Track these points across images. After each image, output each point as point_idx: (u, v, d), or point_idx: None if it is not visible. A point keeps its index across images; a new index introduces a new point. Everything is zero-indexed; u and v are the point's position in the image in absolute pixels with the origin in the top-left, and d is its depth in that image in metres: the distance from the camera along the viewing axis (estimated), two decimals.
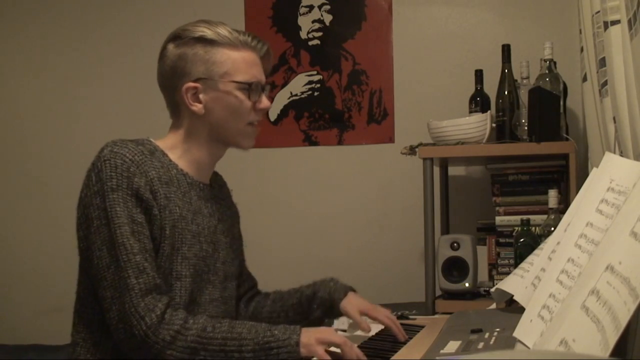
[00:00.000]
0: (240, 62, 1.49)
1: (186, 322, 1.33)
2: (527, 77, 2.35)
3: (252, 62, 1.51)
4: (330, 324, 1.74)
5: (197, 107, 1.48)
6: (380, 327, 1.73)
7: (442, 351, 1.28)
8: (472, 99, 2.48)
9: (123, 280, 1.32)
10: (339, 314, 1.63)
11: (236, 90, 1.48)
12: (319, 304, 1.64)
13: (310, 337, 1.33)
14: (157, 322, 1.31)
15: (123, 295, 1.32)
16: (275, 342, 1.32)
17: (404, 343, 1.52)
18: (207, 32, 1.48)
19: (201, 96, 1.48)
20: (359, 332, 1.63)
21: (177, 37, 1.50)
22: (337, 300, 1.62)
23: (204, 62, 1.47)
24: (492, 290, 1.69)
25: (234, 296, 1.63)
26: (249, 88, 1.49)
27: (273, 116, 2.89)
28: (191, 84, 1.47)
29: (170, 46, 1.50)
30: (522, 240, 2.04)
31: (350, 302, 1.61)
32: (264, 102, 1.53)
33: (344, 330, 1.70)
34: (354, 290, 1.67)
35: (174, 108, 1.52)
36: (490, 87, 2.44)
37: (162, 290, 1.36)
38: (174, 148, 1.51)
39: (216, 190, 1.62)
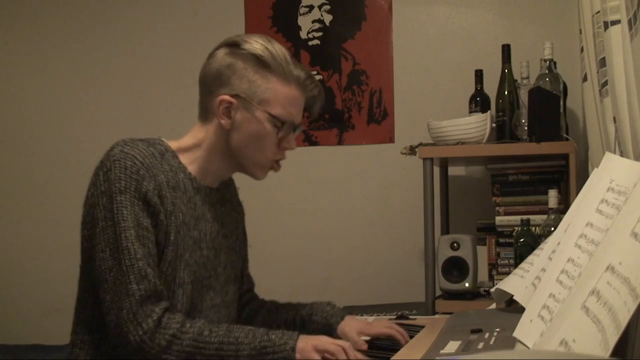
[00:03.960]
0: (282, 98, 1.45)
1: (183, 326, 1.32)
2: (527, 77, 2.35)
3: (294, 101, 1.48)
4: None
5: (225, 122, 1.45)
6: None
7: (442, 351, 1.28)
8: (472, 99, 2.48)
9: (124, 285, 1.31)
10: (335, 337, 1.62)
11: (267, 121, 1.45)
12: (314, 328, 1.63)
13: (307, 343, 1.33)
14: (153, 328, 1.30)
15: (122, 300, 1.31)
16: (272, 347, 1.31)
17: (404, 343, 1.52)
18: (265, 53, 1.44)
19: (232, 112, 1.44)
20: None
21: (235, 45, 1.46)
22: (334, 324, 1.61)
23: (250, 82, 1.44)
24: (492, 290, 1.69)
25: (236, 299, 1.62)
26: (280, 125, 1.46)
27: None
28: (228, 97, 1.43)
29: (226, 50, 1.46)
30: (522, 240, 2.04)
31: (348, 325, 1.61)
32: (291, 143, 1.51)
33: None
34: (349, 314, 1.66)
35: (204, 111, 1.50)
36: (490, 87, 2.44)
37: (163, 296, 1.35)
38: (188, 151, 1.49)
39: (223, 192, 1.60)
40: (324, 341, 1.35)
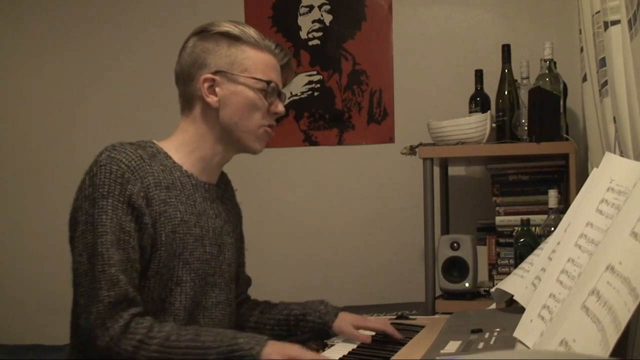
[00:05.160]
0: (261, 63, 1.49)
1: (150, 330, 1.31)
2: (527, 77, 2.35)
3: (272, 66, 1.52)
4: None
5: (212, 100, 1.47)
6: None
7: (442, 351, 1.28)
8: (472, 99, 2.48)
9: (95, 291, 1.31)
10: (331, 335, 1.63)
11: (253, 87, 1.48)
12: (310, 328, 1.64)
13: (274, 349, 1.31)
14: (120, 333, 1.29)
15: (93, 305, 1.31)
16: (239, 351, 1.30)
17: (404, 343, 1.52)
18: (233, 29, 1.49)
19: (217, 89, 1.47)
20: None
21: (202, 31, 1.51)
22: (329, 322, 1.62)
23: (226, 56, 1.47)
24: (492, 290, 1.69)
25: (235, 297, 1.62)
26: (266, 88, 1.49)
27: None
28: (209, 76, 1.46)
29: (194, 39, 1.51)
30: (522, 240, 2.04)
31: (343, 320, 1.62)
32: (279, 106, 1.53)
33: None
34: (342, 310, 1.67)
35: (187, 100, 1.51)
36: (490, 87, 2.44)
37: (135, 302, 1.34)
38: (180, 147, 1.49)
39: (222, 190, 1.60)
40: (294, 348, 1.33)
